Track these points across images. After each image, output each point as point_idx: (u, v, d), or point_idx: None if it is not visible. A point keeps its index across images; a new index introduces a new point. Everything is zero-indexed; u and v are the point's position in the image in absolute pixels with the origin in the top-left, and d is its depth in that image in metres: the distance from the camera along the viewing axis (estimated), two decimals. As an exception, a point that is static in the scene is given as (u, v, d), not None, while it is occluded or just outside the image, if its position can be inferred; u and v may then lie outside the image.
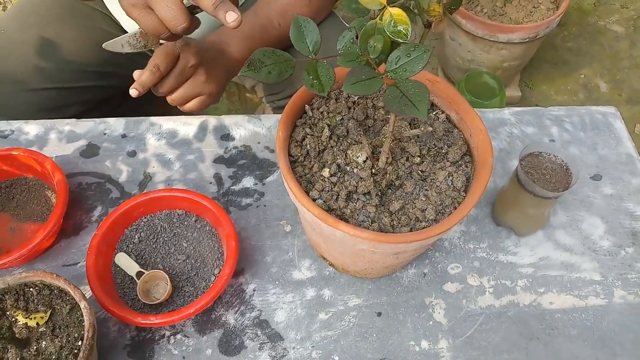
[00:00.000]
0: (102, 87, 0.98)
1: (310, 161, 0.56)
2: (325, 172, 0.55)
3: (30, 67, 0.88)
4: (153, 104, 1.36)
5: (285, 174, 0.52)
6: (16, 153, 0.71)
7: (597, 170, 0.83)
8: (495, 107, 1.32)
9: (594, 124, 0.88)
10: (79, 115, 0.94)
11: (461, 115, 0.59)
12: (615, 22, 1.87)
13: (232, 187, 0.77)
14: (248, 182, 0.78)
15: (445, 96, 0.61)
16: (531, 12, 1.38)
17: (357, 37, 0.44)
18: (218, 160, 0.80)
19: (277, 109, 1.01)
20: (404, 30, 0.40)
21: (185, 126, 0.84)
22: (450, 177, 0.56)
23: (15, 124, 0.82)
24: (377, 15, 0.42)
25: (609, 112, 0.90)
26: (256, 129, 0.84)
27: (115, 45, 0.65)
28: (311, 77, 0.44)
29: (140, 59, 1.02)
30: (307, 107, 0.60)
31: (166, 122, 0.84)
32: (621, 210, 0.78)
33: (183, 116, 0.85)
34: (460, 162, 0.57)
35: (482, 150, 0.56)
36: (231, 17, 0.53)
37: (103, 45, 0.66)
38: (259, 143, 0.82)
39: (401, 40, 0.40)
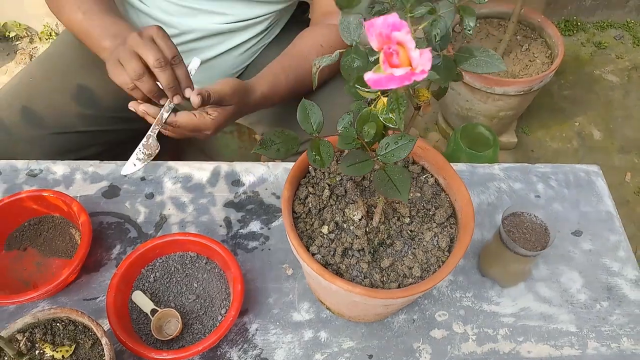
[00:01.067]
0: (120, 130, 1.05)
1: (312, 218, 0.63)
2: (325, 229, 0.61)
3: (54, 113, 0.96)
4: (165, 147, 1.44)
5: (289, 231, 0.59)
6: (46, 194, 0.79)
7: (578, 227, 0.89)
8: (489, 158, 1.40)
9: (578, 182, 0.95)
10: (96, 155, 1.03)
11: (448, 181, 0.66)
12: (610, 72, 1.95)
13: (240, 231, 0.84)
14: (255, 226, 0.85)
15: (434, 162, 0.68)
16: (527, 65, 1.47)
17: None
18: (228, 204, 0.87)
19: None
20: (394, 117, 0.47)
21: (200, 171, 0.91)
22: (436, 238, 0.63)
23: (44, 164, 0.90)
24: (373, 103, 0.49)
25: (591, 171, 0.97)
26: (264, 175, 0.91)
27: (128, 168, 0.75)
28: (314, 153, 0.51)
29: (156, 104, 1.10)
30: (310, 167, 0.67)
31: (182, 167, 0.91)
32: (599, 266, 0.84)
33: (198, 162, 0.93)
34: (445, 223, 0.64)
35: (464, 215, 0.63)
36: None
37: (122, 173, 0.76)
38: (266, 189, 0.89)
39: (392, 126, 0.47)
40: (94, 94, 0.99)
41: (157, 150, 0.76)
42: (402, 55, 0.28)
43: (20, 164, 0.90)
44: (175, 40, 0.95)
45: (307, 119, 0.52)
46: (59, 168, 0.90)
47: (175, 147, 1.52)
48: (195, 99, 0.73)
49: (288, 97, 0.90)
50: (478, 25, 1.57)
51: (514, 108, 1.48)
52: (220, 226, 0.84)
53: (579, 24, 2.07)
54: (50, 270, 0.78)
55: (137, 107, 0.77)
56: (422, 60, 0.28)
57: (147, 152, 0.76)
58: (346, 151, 0.63)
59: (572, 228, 0.89)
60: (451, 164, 0.95)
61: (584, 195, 0.93)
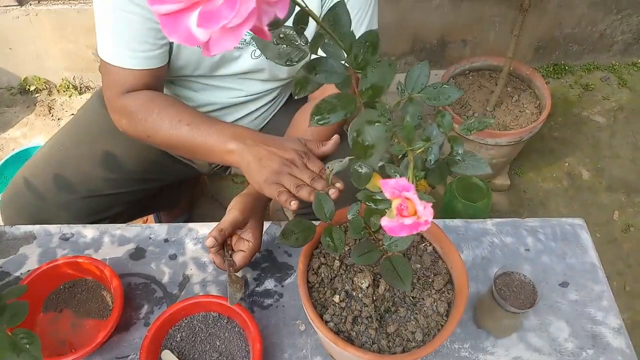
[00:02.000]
0: (139, 190, 1.14)
1: (324, 287, 0.71)
2: (336, 298, 0.70)
3: (83, 179, 1.04)
4: (180, 197, 1.53)
5: (305, 301, 0.67)
6: (81, 260, 0.87)
7: (564, 278, 0.97)
8: (483, 208, 1.49)
9: (564, 235, 1.03)
10: (118, 214, 1.11)
11: (444, 250, 0.75)
12: (597, 113, 2.06)
13: (256, 289, 0.92)
14: (269, 283, 0.93)
15: (432, 232, 0.76)
16: (517, 116, 1.57)
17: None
18: (244, 263, 0.95)
19: (297, 216, 1.16)
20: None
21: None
22: (436, 304, 0.71)
23: (75, 228, 0.98)
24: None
25: (576, 224, 1.05)
26: (277, 234, 0.99)
27: (233, 298, 0.82)
28: (327, 239, 0.59)
29: (172, 164, 1.20)
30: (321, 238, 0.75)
31: (202, 228, 1.00)
32: (584, 315, 0.92)
33: (215, 223, 1.01)
34: (443, 289, 0.72)
35: (459, 282, 0.71)
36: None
37: (230, 305, 0.82)
38: (279, 247, 0.98)
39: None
40: (118, 159, 1.08)
41: (242, 285, 0.85)
42: (410, 207, 0.37)
43: (53, 228, 0.98)
44: None
45: (321, 208, 0.61)
46: (89, 232, 0.98)
47: (190, 195, 1.62)
48: (209, 243, 0.82)
49: None
50: (471, 78, 1.68)
51: (506, 155, 1.58)
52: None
53: (566, 67, 2.19)
54: (84, 330, 0.86)
55: (210, 254, 0.86)
56: (426, 213, 0.36)
57: (237, 287, 0.84)
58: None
59: (559, 280, 0.97)
60: (448, 220, 1.05)
61: (569, 247, 1.01)
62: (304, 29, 0.40)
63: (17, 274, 0.93)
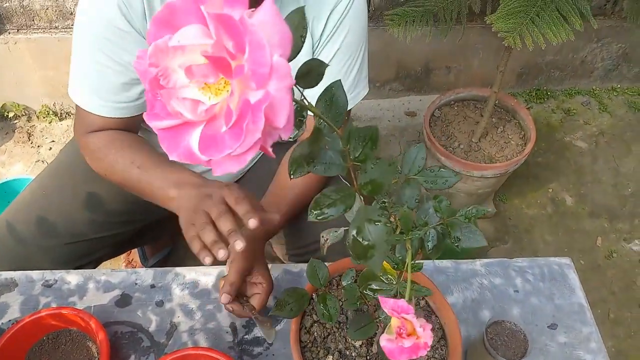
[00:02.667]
0: (124, 232, 1.12)
1: (317, 347, 0.70)
2: (330, 359, 0.69)
3: (67, 224, 1.02)
4: (166, 228, 1.51)
5: (298, 364, 0.66)
6: (65, 312, 0.85)
7: (553, 320, 0.97)
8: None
9: (552, 275, 1.04)
10: (102, 257, 1.09)
11: (437, 305, 0.75)
12: (579, 138, 2.09)
13: (245, 337, 0.91)
14: (258, 331, 0.91)
15: (425, 286, 0.76)
16: (502, 147, 1.58)
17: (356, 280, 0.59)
18: (233, 310, 0.93)
19: (289, 257, 1.15)
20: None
21: (205, 276, 0.98)
22: (429, 361, 0.70)
23: (58, 274, 0.96)
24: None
25: (564, 263, 1.06)
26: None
27: (270, 337, 0.86)
28: (321, 306, 0.59)
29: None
30: (314, 295, 0.74)
31: (189, 273, 0.98)
32: (573, 358, 0.93)
33: (202, 267, 0.99)
34: (437, 345, 0.72)
35: (452, 338, 0.71)
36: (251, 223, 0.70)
37: (269, 342, 0.85)
38: (267, 292, 0.96)
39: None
40: (102, 202, 1.06)
41: (270, 319, 0.87)
42: (409, 327, 0.36)
43: (35, 274, 0.95)
44: None
45: (315, 275, 0.60)
46: (73, 278, 0.96)
47: (174, 227, 1.59)
48: (225, 299, 0.82)
49: (285, 223, 0.98)
50: (456, 108, 1.69)
51: (491, 186, 1.60)
52: (227, 332, 0.91)
53: (548, 92, 2.22)
54: (69, 383, 0.83)
55: (227, 307, 0.85)
56: (425, 335, 0.36)
57: (267, 325, 0.86)
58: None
59: (547, 321, 0.97)
60: (437, 261, 1.05)
61: (557, 288, 1.02)
62: (303, 122, 0.40)
63: (-2, 324, 0.90)
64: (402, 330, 0.37)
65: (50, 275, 0.96)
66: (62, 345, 0.87)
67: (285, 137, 0.30)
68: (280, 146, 1.10)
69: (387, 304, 0.37)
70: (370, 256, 0.37)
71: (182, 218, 0.81)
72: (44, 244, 0.99)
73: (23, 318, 0.84)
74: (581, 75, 2.22)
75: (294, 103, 0.39)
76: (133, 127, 0.97)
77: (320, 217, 0.38)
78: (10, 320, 0.90)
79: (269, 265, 0.96)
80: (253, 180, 1.16)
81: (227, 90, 0.27)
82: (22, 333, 0.83)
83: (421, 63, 2.06)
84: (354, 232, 0.37)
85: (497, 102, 1.63)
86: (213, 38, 0.26)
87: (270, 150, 0.30)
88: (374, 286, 0.45)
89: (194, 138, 0.29)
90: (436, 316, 0.75)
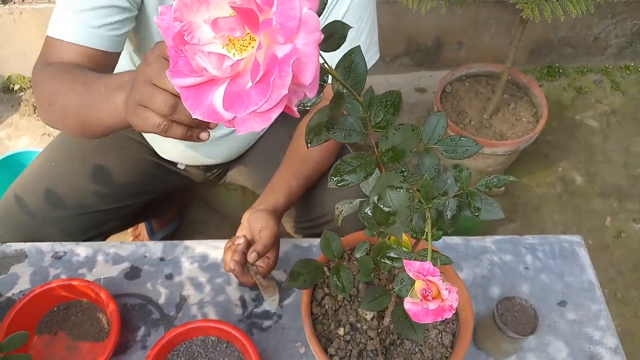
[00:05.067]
0: (132, 204, 1.12)
1: (329, 319, 0.70)
2: (341, 331, 0.69)
3: (76, 195, 1.02)
4: (172, 202, 1.51)
5: (309, 336, 0.66)
6: (76, 283, 0.85)
7: (563, 297, 0.97)
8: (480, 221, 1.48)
9: (562, 253, 1.03)
10: (112, 230, 1.09)
11: (449, 280, 0.74)
12: (590, 117, 2.06)
13: (255, 310, 0.91)
14: (267, 304, 0.91)
15: (436, 261, 0.75)
16: (514, 124, 1.56)
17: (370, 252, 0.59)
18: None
19: (297, 230, 1.15)
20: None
21: (215, 250, 0.97)
22: (440, 335, 0.70)
23: (68, 246, 0.96)
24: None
25: (574, 241, 1.05)
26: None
27: (272, 304, 0.87)
28: (335, 279, 0.58)
29: (169, 175, 1.18)
30: (325, 268, 0.74)
31: (198, 246, 0.98)
32: (582, 335, 0.93)
33: (213, 240, 0.99)
34: (448, 320, 0.72)
35: (464, 314, 0.70)
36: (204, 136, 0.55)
37: (272, 310, 0.86)
38: (277, 267, 0.96)
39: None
40: (111, 174, 1.06)
41: (275, 287, 0.88)
42: (434, 291, 0.36)
43: (45, 246, 0.95)
44: None
45: (329, 246, 0.60)
46: (82, 250, 0.96)
47: (182, 201, 1.59)
48: (253, 258, 0.81)
49: (302, 194, 0.97)
50: (467, 84, 1.66)
51: (502, 163, 1.58)
52: (236, 305, 0.91)
53: (560, 70, 2.18)
54: (80, 353, 0.84)
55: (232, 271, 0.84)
56: (451, 297, 0.35)
57: (271, 291, 0.87)
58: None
59: (557, 299, 0.97)
60: (447, 237, 1.04)
61: (567, 265, 1.01)
62: (324, 86, 0.39)
63: (9, 294, 0.90)
64: (427, 293, 0.36)
65: (59, 247, 0.95)
66: (73, 316, 0.87)
67: (310, 96, 0.29)
68: (289, 120, 1.09)
69: (413, 267, 0.36)
70: (392, 222, 0.36)
71: (128, 112, 0.60)
72: (53, 215, 0.99)
73: (34, 289, 0.84)
74: (594, 53, 2.17)
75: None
76: (102, 67, 0.85)
77: (341, 184, 0.37)
78: (21, 291, 0.90)
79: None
80: (262, 153, 1.15)
81: (252, 47, 0.26)
82: (33, 303, 0.84)
83: (432, 38, 2.02)
84: (375, 199, 0.36)
85: (509, 78, 1.60)
86: (240, -9, 0.25)
87: (294, 109, 0.29)
88: (392, 254, 0.44)
89: (217, 95, 0.28)
90: (448, 291, 0.75)
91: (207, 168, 1.19)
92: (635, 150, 1.97)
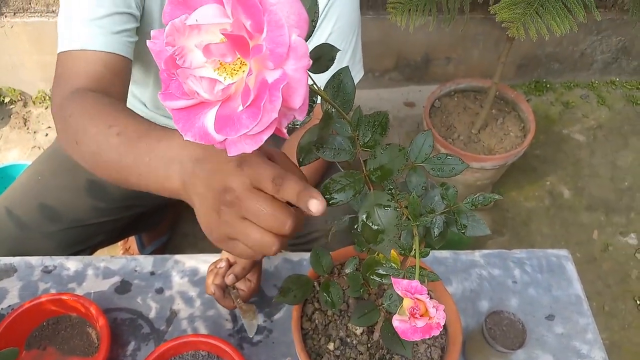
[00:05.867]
0: (123, 218, 1.12)
1: (319, 334, 0.70)
2: (331, 346, 0.69)
3: (64, 209, 1.01)
4: (164, 215, 1.51)
5: (299, 351, 0.66)
6: (66, 298, 0.85)
7: (550, 311, 0.98)
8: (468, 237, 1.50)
9: (550, 267, 1.04)
10: (101, 243, 1.09)
11: (438, 294, 0.75)
12: (577, 131, 2.09)
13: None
14: (259, 319, 0.91)
15: (425, 275, 0.76)
16: (502, 139, 1.58)
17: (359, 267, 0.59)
18: (233, 297, 0.94)
19: (289, 246, 1.15)
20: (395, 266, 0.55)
21: (205, 264, 0.97)
22: (429, 349, 0.71)
23: (58, 260, 0.95)
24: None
25: (562, 255, 1.06)
26: (264, 267, 0.98)
27: (251, 331, 0.87)
28: (325, 294, 0.59)
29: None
30: (315, 283, 0.74)
31: (189, 260, 0.98)
32: (570, 349, 0.94)
33: (202, 254, 0.99)
34: (437, 335, 0.72)
35: (453, 329, 0.71)
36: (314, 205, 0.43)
37: (250, 336, 0.86)
38: (267, 280, 0.96)
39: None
40: (99, 187, 1.05)
41: (255, 311, 0.88)
42: (422, 308, 0.37)
43: (34, 260, 0.95)
44: None
45: (319, 262, 0.60)
46: (72, 264, 0.95)
47: (172, 214, 1.59)
48: (230, 280, 0.81)
49: None
50: (456, 99, 1.69)
51: (490, 177, 1.60)
52: (227, 320, 0.91)
53: (547, 85, 2.22)
54: (69, 369, 0.83)
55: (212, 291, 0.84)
56: (438, 315, 0.36)
57: (251, 316, 0.87)
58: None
59: (545, 312, 0.98)
60: (436, 251, 1.05)
61: (555, 279, 1.02)
62: (314, 106, 0.40)
63: (-2, 309, 0.90)
64: (415, 311, 0.37)
65: (49, 261, 0.95)
66: (62, 330, 0.87)
67: (300, 118, 0.30)
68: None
69: (401, 285, 0.37)
70: (380, 240, 0.37)
71: (201, 215, 0.52)
72: (39, 229, 0.99)
73: (23, 303, 0.84)
74: (580, 68, 2.22)
75: (304, 88, 0.38)
76: (121, 89, 0.82)
77: (330, 202, 0.38)
78: (10, 306, 0.90)
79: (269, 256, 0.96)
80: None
81: (243, 71, 0.27)
82: (22, 318, 0.83)
83: (421, 53, 2.05)
84: (363, 217, 0.37)
85: (497, 93, 1.63)
86: (230, 18, 0.26)
87: (284, 131, 0.30)
88: (381, 271, 0.45)
89: (209, 118, 0.28)
90: (437, 305, 0.75)
91: None
92: (622, 164, 2.00)
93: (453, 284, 0.99)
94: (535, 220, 1.82)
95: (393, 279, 0.37)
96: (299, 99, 0.27)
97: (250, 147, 0.28)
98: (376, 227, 0.37)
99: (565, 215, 1.84)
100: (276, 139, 0.98)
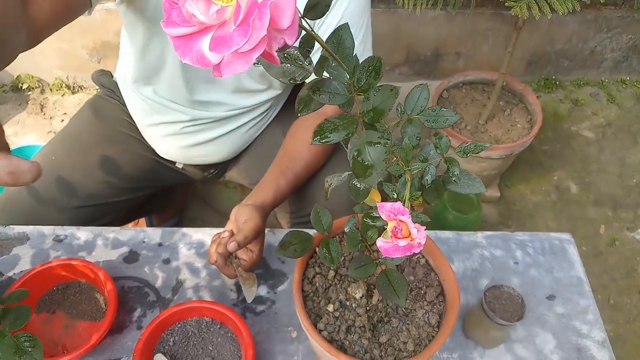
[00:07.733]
0: (133, 198, 1.15)
1: (319, 297, 0.72)
2: (330, 307, 0.71)
3: (75, 189, 1.04)
4: (171, 199, 1.54)
5: (299, 310, 0.68)
6: (75, 263, 0.87)
7: (551, 291, 0.99)
8: (473, 220, 1.50)
9: (552, 249, 1.05)
10: (110, 222, 1.12)
11: (437, 263, 0.76)
12: (586, 128, 2.09)
13: (249, 295, 0.93)
14: (262, 290, 0.94)
15: (425, 245, 0.78)
16: (509, 130, 1.59)
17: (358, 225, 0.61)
18: (238, 269, 0.96)
19: (292, 225, 1.18)
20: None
21: (211, 237, 1.00)
22: (427, 315, 0.72)
23: (69, 230, 0.98)
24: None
25: (564, 239, 1.07)
26: (270, 241, 1.00)
27: (249, 297, 0.90)
28: (324, 251, 0.61)
29: (168, 172, 1.21)
30: (317, 249, 0.76)
31: (196, 233, 1.01)
32: (569, 328, 0.94)
33: (209, 228, 1.02)
34: (435, 301, 0.74)
35: (451, 295, 0.72)
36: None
37: (248, 302, 0.90)
38: (272, 254, 0.99)
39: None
40: (110, 168, 1.09)
41: (255, 279, 0.91)
42: (404, 230, 0.38)
43: (46, 229, 0.98)
44: (186, 125, 1.06)
45: (319, 221, 0.62)
46: (83, 234, 0.98)
47: (181, 198, 1.62)
48: (232, 247, 0.83)
49: (291, 192, 1.00)
50: (464, 91, 1.70)
51: (497, 168, 1.61)
52: (231, 290, 0.93)
53: (557, 82, 2.22)
54: (77, 332, 0.86)
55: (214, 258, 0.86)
56: (419, 235, 0.38)
57: (250, 283, 0.90)
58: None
59: (546, 293, 0.99)
60: (439, 232, 1.06)
61: (557, 261, 1.03)
62: (310, 52, 0.42)
63: (10, 274, 0.93)
64: (397, 230, 0.38)
65: (61, 230, 0.98)
66: (71, 295, 0.89)
67: (290, 42, 0.32)
68: (285, 120, 1.12)
69: (384, 208, 0.38)
70: (369, 174, 0.39)
71: None
72: (55, 203, 1.02)
73: (34, 267, 0.87)
74: (590, 66, 2.22)
75: (303, 32, 0.41)
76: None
77: (323, 141, 0.40)
78: (21, 272, 0.93)
79: (273, 230, 0.98)
80: (259, 152, 1.18)
81: (236, -2, 0.29)
82: (33, 282, 0.86)
83: (431, 48, 2.07)
84: (354, 154, 0.39)
85: (504, 84, 1.64)
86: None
87: (275, 55, 0.32)
88: (374, 214, 0.47)
89: (205, 42, 0.31)
90: (435, 274, 0.77)
91: (205, 167, 1.22)
92: (630, 161, 2.00)
93: (455, 262, 1.00)
94: (542, 213, 1.82)
95: (378, 204, 0.39)
96: (287, 19, 0.29)
97: (242, 66, 0.30)
98: (366, 163, 0.39)
99: (572, 210, 1.84)
100: (283, 121, 1.01)
